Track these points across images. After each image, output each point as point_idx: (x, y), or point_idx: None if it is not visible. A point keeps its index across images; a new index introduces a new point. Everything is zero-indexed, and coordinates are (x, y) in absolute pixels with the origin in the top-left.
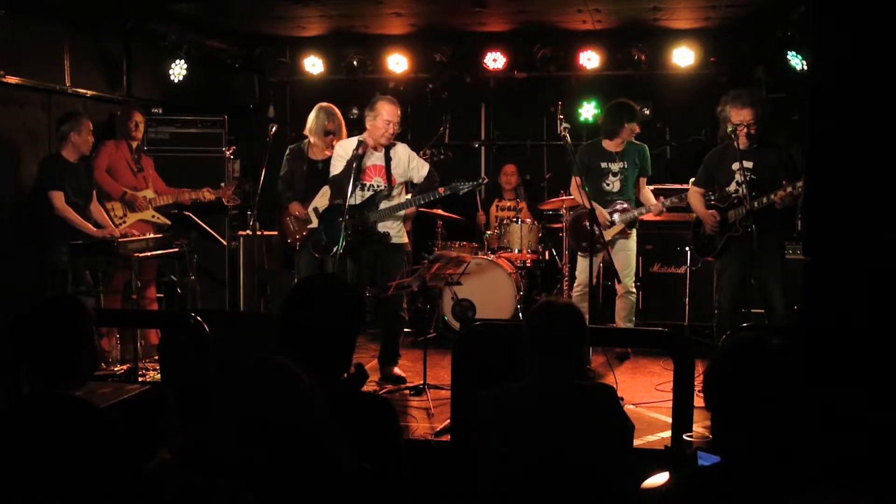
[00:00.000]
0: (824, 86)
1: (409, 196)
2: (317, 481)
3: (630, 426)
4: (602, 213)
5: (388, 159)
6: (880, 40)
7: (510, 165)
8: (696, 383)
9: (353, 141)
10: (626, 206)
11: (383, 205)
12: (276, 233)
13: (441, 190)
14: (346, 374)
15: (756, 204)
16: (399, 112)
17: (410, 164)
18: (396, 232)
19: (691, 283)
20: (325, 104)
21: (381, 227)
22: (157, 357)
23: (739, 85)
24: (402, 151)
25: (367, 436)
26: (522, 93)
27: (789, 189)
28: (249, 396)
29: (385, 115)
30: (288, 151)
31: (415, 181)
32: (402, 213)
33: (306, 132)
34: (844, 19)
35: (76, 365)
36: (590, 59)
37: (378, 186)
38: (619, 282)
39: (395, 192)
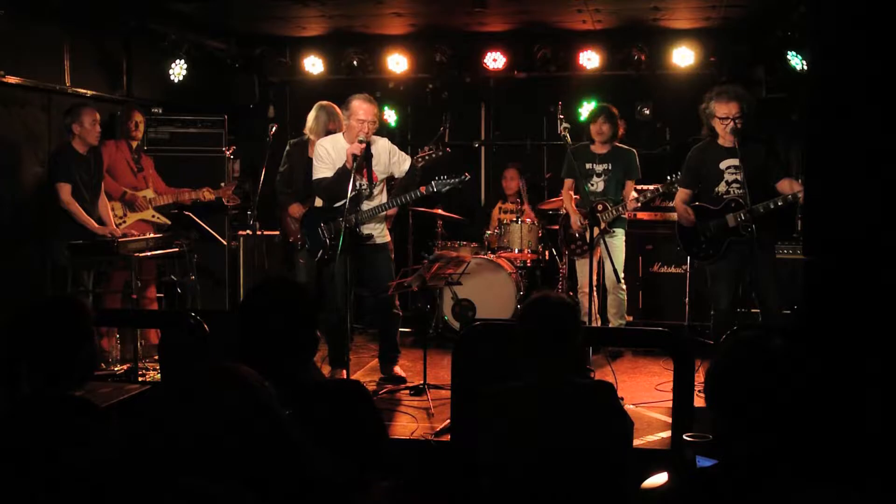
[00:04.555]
0: (824, 86)
1: (398, 196)
2: (278, 478)
3: (630, 424)
4: (575, 220)
5: (368, 156)
6: (880, 40)
7: (510, 170)
8: (696, 383)
9: (335, 139)
10: (606, 206)
11: (365, 205)
12: (276, 232)
13: (423, 189)
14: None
15: (761, 209)
16: (375, 110)
17: (391, 159)
18: (380, 232)
19: (691, 283)
20: (325, 103)
21: (365, 228)
22: (157, 357)
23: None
24: (381, 146)
25: (340, 422)
26: (522, 93)
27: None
28: (201, 405)
29: (360, 114)
30: (288, 147)
31: (396, 176)
32: (384, 213)
33: (306, 132)
34: (844, 19)
35: (76, 365)
36: (590, 59)
37: (360, 185)
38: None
39: (376, 191)
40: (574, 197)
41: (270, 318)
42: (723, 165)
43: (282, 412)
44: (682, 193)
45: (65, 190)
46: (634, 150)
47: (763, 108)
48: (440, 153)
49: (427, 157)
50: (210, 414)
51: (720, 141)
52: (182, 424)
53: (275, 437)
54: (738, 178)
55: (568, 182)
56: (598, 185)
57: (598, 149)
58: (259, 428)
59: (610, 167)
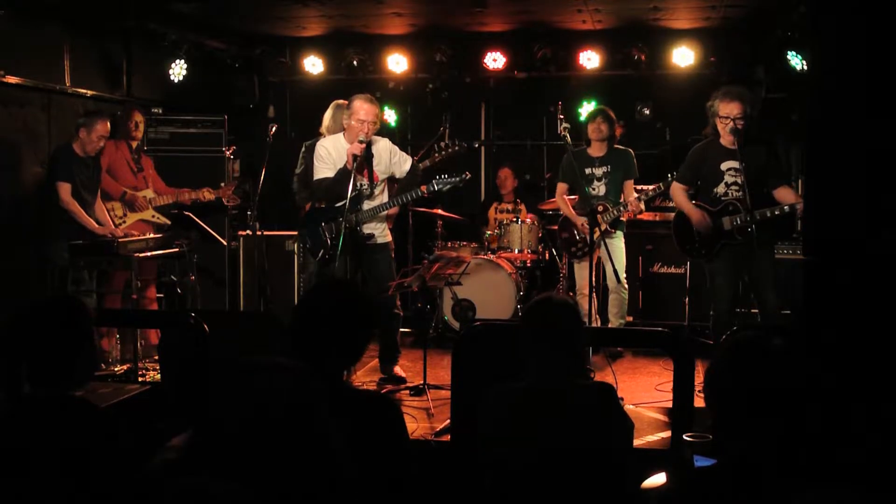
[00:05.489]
0: (824, 86)
1: (398, 195)
2: (320, 483)
3: (629, 425)
4: (579, 222)
5: (369, 156)
6: (880, 40)
7: (504, 169)
8: (696, 383)
9: (335, 139)
10: (606, 207)
11: (366, 205)
12: (275, 232)
13: (423, 188)
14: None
15: (759, 216)
16: (376, 111)
17: (392, 160)
18: (381, 232)
19: (691, 283)
20: (341, 102)
21: (366, 228)
22: (157, 357)
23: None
24: (382, 146)
25: (370, 434)
26: (522, 93)
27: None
28: (258, 397)
29: (361, 114)
30: (304, 148)
31: (397, 176)
32: (384, 213)
33: (323, 131)
34: (844, 19)
35: (76, 365)
36: (590, 59)
37: (361, 185)
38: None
39: (377, 190)
40: (571, 198)
41: (340, 318)
42: (724, 166)
43: (328, 415)
44: (679, 188)
45: (65, 189)
46: (631, 151)
47: (763, 108)
48: (457, 148)
49: (445, 153)
50: (262, 408)
51: (722, 141)
52: (232, 417)
53: (322, 437)
54: (738, 180)
55: (561, 187)
56: (599, 188)
57: (595, 151)
58: (307, 426)
59: (609, 169)
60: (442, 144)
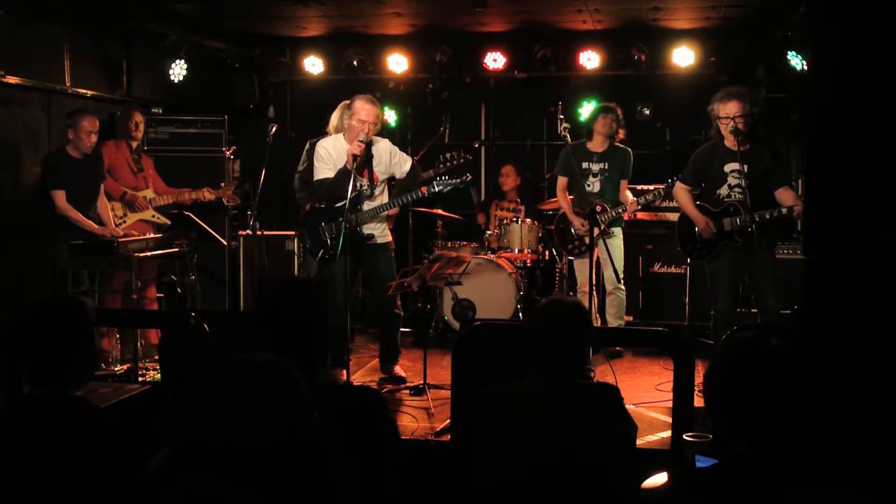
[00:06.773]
0: (824, 86)
1: (399, 196)
2: (311, 480)
3: (633, 426)
4: (577, 224)
5: (369, 157)
6: (879, 40)
7: (507, 167)
8: (696, 383)
9: (335, 140)
10: (605, 207)
11: (366, 205)
12: (275, 232)
13: (423, 190)
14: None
15: (758, 217)
16: (377, 112)
17: (392, 160)
18: (381, 232)
19: (691, 283)
20: (349, 102)
21: (366, 228)
22: (157, 357)
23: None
24: (382, 147)
25: (357, 428)
26: (522, 93)
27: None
28: (247, 396)
29: (362, 115)
30: (309, 144)
31: (397, 176)
32: (385, 213)
33: (329, 130)
34: (843, 19)
35: (76, 365)
36: (590, 59)
37: (361, 185)
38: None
39: (377, 191)
40: (569, 197)
41: (295, 317)
42: (727, 168)
43: (314, 413)
44: (682, 189)
45: (59, 196)
46: (630, 150)
47: (763, 108)
48: (462, 160)
49: (449, 164)
50: (254, 408)
51: (726, 143)
52: (223, 417)
53: (312, 437)
54: (742, 183)
55: (562, 181)
56: (594, 185)
57: (595, 146)
58: (298, 426)
59: (607, 167)
60: (448, 155)
